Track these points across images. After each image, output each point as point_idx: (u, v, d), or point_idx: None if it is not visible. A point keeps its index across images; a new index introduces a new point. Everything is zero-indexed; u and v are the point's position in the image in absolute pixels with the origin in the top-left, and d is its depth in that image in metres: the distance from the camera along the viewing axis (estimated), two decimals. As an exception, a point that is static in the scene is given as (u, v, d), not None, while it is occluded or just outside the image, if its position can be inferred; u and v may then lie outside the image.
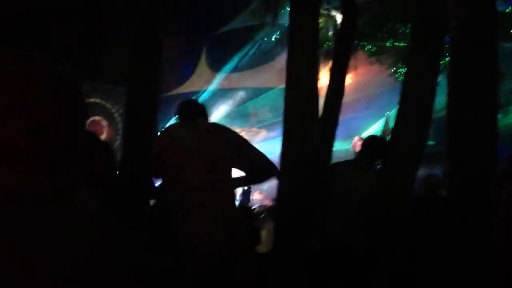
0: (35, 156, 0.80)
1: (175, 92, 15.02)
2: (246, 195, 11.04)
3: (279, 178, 4.09)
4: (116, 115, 12.18)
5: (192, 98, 15.24)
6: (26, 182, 0.80)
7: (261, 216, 7.45)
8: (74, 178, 0.87)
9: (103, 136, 11.72)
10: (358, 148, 6.35)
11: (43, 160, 0.82)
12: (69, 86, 0.87)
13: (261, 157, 3.49)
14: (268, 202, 9.73)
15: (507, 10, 10.84)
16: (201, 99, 14.44)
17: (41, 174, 0.82)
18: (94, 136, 3.46)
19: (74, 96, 0.87)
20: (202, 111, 3.67)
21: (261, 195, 11.67)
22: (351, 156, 6.95)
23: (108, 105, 12.22)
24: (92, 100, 11.74)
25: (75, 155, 0.87)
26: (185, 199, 3.27)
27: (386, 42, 10.63)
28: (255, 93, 14.62)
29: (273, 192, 5.36)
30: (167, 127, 3.83)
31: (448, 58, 8.62)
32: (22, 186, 0.79)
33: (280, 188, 4.58)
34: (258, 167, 3.50)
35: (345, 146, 14.93)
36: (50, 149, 0.82)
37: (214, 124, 3.67)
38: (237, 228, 3.33)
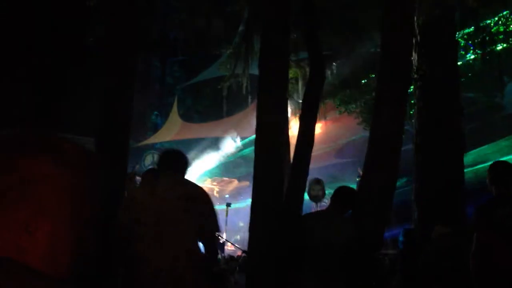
0: None
1: (146, 142, 14.98)
2: (220, 246, 10.88)
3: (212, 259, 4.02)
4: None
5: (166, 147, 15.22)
6: None
7: (232, 267, 7.32)
8: None
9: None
10: None
11: None
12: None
13: (211, 234, 3.54)
14: (240, 253, 9.59)
15: (469, 58, 11.36)
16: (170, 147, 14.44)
17: None
18: None
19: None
20: (176, 163, 3.67)
21: (232, 246, 11.50)
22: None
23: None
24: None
25: None
26: (136, 250, 3.29)
27: (353, 94, 10.94)
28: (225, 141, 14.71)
29: (245, 243, 5.29)
30: (128, 192, 3.86)
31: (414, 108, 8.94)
32: None
33: (251, 239, 4.54)
34: (205, 237, 3.53)
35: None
36: None
37: (181, 179, 3.62)
38: (186, 275, 3.31)
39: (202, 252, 3.42)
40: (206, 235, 3.45)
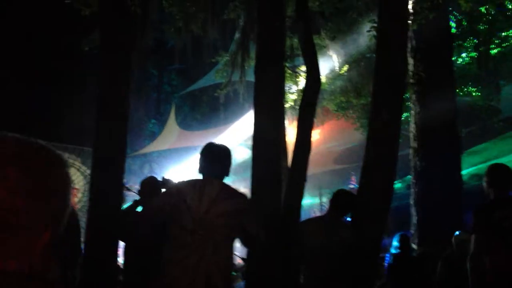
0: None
1: (144, 150, 14.97)
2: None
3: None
4: (86, 173, 12.00)
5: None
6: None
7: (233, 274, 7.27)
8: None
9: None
10: None
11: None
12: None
13: (253, 233, 3.49)
14: (239, 261, 9.56)
15: (462, 61, 11.41)
16: (174, 156, 14.46)
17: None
18: None
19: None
20: (225, 165, 3.45)
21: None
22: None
23: (77, 164, 12.07)
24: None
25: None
26: (172, 254, 3.27)
27: (350, 98, 10.95)
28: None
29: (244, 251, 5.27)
30: (178, 184, 3.65)
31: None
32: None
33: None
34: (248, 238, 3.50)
35: (315, 200, 15.00)
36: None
37: (225, 190, 3.38)
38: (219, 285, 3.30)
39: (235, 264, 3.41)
40: (250, 241, 3.48)
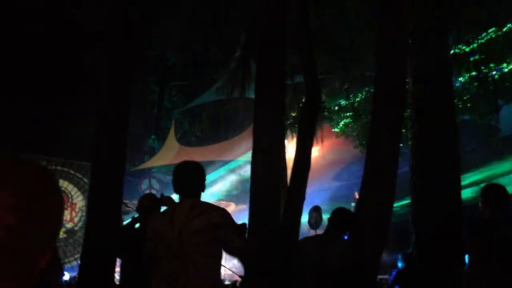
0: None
1: (143, 166, 14.96)
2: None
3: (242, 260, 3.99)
4: (86, 187, 12.00)
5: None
6: None
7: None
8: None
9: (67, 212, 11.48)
10: None
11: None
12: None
13: (235, 245, 3.41)
14: (237, 278, 9.48)
15: (463, 80, 11.47)
16: (168, 171, 14.43)
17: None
18: None
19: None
20: (193, 181, 3.44)
21: (228, 271, 11.39)
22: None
23: (78, 176, 12.07)
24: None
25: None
26: (158, 282, 3.27)
27: (350, 116, 11.02)
28: (222, 165, 14.72)
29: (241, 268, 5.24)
30: (153, 216, 3.67)
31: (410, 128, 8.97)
32: None
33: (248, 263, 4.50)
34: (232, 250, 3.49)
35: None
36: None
37: (197, 207, 3.34)
38: None
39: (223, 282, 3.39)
40: (236, 253, 3.43)
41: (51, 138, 10.90)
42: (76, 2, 6.96)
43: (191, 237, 3.22)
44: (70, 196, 11.94)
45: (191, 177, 3.45)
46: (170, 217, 3.32)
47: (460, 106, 10.82)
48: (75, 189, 12.04)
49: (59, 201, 0.90)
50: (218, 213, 3.34)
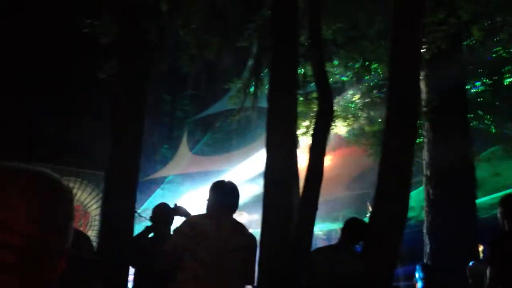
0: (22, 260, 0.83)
1: (155, 175, 15.01)
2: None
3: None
4: (98, 197, 12.04)
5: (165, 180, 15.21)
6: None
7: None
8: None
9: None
10: None
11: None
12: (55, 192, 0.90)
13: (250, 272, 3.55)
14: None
15: (478, 90, 11.37)
16: (185, 182, 14.48)
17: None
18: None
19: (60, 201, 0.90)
20: (234, 202, 3.57)
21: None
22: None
23: (90, 186, 12.12)
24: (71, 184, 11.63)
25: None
26: (184, 285, 3.31)
27: (363, 125, 10.96)
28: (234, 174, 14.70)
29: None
30: (195, 218, 3.71)
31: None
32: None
33: (260, 273, 4.48)
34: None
35: (326, 227, 14.87)
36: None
37: (237, 225, 3.52)
38: None
39: None
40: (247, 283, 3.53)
41: (62, 147, 11.00)
42: (91, 14, 7.04)
43: (232, 252, 3.33)
44: (83, 205, 12.01)
45: (234, 195, 3.58)
46: (218, 223, 3.41)
47: (474, 115, 10.72)
48: (89, 198, 12.10)
49: (71, 209, 0.92)
50: (254, 239, 3.54)
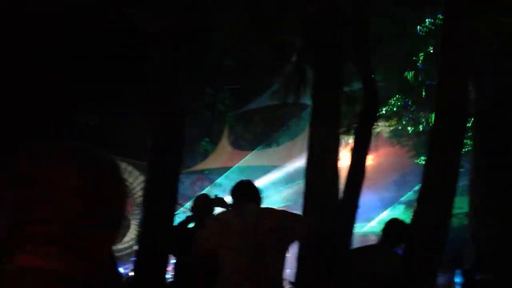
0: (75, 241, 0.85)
1: (196, 168, 15.17)
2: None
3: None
4: (137, 189, 12.27)
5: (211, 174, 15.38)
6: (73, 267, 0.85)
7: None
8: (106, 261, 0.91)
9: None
10: None
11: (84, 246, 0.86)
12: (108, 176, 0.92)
13: (304, 224, 3.72)
14: (285, 284, 9.42)
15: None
16: (225, 175, 14.60)
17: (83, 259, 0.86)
18: None
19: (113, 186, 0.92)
20: (254, 195, 3.73)
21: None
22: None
23: (130, 180, 12.37)
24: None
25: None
26: (228, 280, 3.40)
27: (408, 127, 10.76)
28: (275, 170, 14.71)
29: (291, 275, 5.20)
30: (219, 214, 3.91)
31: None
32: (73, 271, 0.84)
33: (299, 271, 4.47)
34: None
35: (364, 228, 14.68)
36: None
37: (264, 210, 3.67)
38: None
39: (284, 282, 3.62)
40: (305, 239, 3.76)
41: (102, 138, 11.23)
42: (133, 5, 7.13)
43: (267, 234, 3.40)
44: (130, 190, 12.21)
45: (251, 187, 3.75)
46: (242, 213, 3.54)
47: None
48: (134, 184, 12.33)
49: (123, 188, 0.93)
50: (284, 212, 3.70)
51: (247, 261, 3.33)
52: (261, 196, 3.74)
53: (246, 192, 3.69)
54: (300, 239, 3.79)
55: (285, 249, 3.52)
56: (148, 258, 4.83)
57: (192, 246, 3.68)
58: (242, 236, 3.38)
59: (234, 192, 3.75)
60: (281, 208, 3.89)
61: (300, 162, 8.92)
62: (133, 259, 6.10)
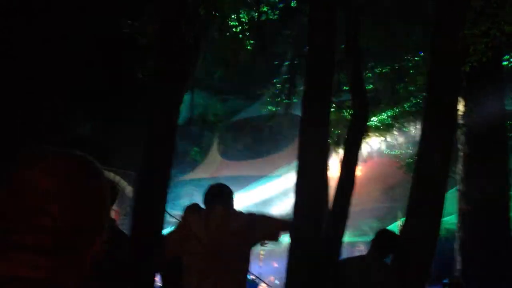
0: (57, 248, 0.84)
1: (186, 177, 15.12)
2: (252, 286, 10.72)
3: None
4: (125, 198, 12.19)
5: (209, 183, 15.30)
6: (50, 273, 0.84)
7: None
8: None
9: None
10: None
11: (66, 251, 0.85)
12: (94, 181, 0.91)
13: (277, 225, 3.83)
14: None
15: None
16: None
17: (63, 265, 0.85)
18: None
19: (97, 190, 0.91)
20: (224, 197, 3.79)
21: (265, 286, 11.31)
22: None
23: (120, 186, 12.30)
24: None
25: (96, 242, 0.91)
26: (189, 283, 3.50)
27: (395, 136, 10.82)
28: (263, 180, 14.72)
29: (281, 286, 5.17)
30: (186, 217, 3.92)
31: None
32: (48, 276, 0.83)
33: (288, 282, 4.44)
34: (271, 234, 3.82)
35: (355, 238, 14.68)
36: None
37: (230, 213, 3.71)
38: None
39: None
40: (275, 236, 3.78)
41: (92, 147, 11.16)
42: (130, 14, 7.17)
43: (228, 238, 3.48)
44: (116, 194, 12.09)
45: (221, 188, 3.88)
46: (205, 217, 3.61)
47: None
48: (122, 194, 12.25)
49: (104, 190, 0.92)
50: (251, 215, 3.78)
51: (206, 263, 3.41)
52: (232, 198, 3.81)
53: (215, 195, 3.75)
54: (267, 238, 3.87)
55: (246, 251, 3.60)
56: (136, 266, 4.78)
57: (163, 248, 3.78)
58: (203, 241, 3.46)
59: (205, 195, 3.82)
60: (252, 212, 3.96)
61: (289, 173, 8.93)
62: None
